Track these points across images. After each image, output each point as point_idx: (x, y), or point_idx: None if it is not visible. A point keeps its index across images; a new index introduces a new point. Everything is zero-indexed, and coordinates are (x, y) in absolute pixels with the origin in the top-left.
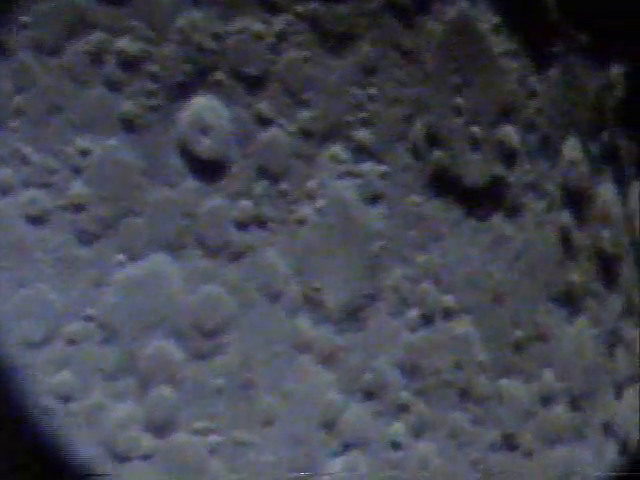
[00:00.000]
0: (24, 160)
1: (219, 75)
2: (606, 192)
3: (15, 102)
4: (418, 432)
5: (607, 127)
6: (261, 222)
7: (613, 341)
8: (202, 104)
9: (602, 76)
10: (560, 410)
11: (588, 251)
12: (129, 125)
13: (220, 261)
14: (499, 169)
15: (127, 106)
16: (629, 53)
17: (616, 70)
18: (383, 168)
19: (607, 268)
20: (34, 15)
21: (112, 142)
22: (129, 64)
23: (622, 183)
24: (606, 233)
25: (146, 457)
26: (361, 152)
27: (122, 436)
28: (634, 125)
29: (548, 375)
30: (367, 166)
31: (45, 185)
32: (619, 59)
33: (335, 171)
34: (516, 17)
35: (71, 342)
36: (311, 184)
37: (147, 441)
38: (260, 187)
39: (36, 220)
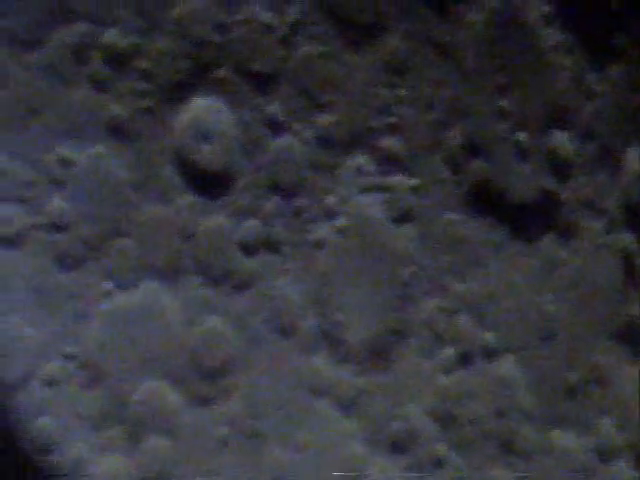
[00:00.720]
0: None
1: (223, 72)
2: None
3: None
4: None
5: None
6: (271, 245)
7: None
8: (203, 106)
9: None
10: (622, 467)
11: None
12: (118, 131)
13: (223, 290)
14: (550, 183)
15: (116, 109)
16: None
17: None
18: (414, 182)
19: None
20: (8, 2)
21: (98, 150)
22: (118, 60)
23: None
24: None
25: None
26: (389, 163)
27: None
28: None
29: (607, 425)
30: (396, 179)
31: (21, 200)
32: None
33: (358, 185)
34: (570, 5)
35: (50, 384)
36: (330, 200)
37: None
38: (271, 204)
39: (9, 241)
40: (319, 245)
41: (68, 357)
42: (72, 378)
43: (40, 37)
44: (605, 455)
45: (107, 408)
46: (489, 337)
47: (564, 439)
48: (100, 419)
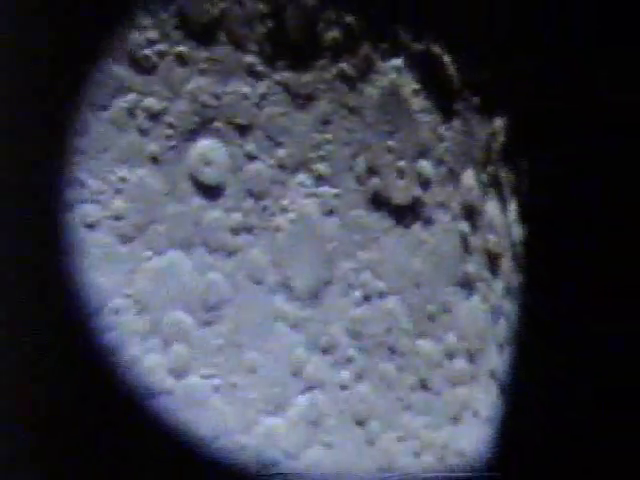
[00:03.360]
0: (82, 184)
1: (218, 124)
2: (492, 208)
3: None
4: (359, 377)
5: (493, 162)
6: (249, 229)
7: (497, 313)
8: (206, 145)
9: (489, 126)
10: (461, 362)
11: (479, 250)
12: (154, 160)
13: (219, 256)
14: (418, 192)
15: (152, 146)
16: (507, 111)
17: (499, 123)
18: (336, 190)
19: (493, 262)
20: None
21: (142, 172)
22: (154, 116)
23: (503, 201)
24: (492, 237)
25: (168, 393)
26: (320, 179)
27: (151, 379)
28: (512, 160)
29: (452, 337)
30: (324, 189)
31: (96, 202)
32: (501, 115)
33: (302, 193)
34: (430, 84)
35: (115, 313)
36: (284, 202)
37: (168, 382)
38: (248, 204)
39: (90, 226)
40: (278, 230)
41: (125, 296)
42: (128, 309)
43: (108, 102)
44: (450, 355)
45: (149, 327)
46: (382, 285)
47: (426, 346)
48: (145, 334)
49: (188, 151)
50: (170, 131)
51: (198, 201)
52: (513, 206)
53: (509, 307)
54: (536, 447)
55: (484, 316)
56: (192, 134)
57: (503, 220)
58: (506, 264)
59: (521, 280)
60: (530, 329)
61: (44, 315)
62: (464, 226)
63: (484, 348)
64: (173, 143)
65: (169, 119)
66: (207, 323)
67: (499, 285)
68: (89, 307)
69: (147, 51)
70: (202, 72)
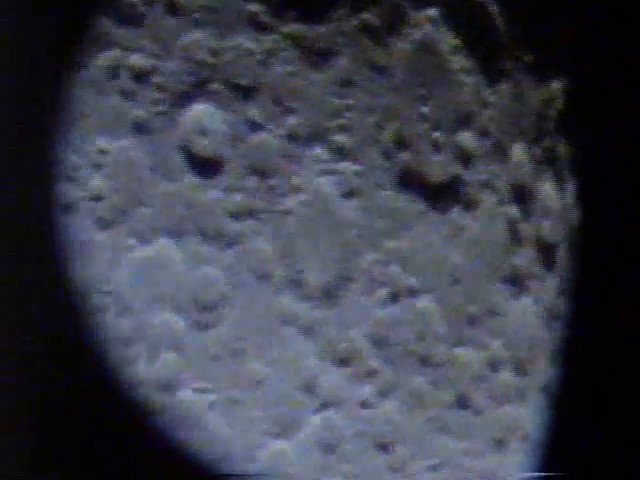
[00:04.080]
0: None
1: (216, 86)
2: (547, 189)
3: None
4: (384, 393)
5: (548, 134)
6: (252, 213)
7: (551, 316)
8: (201, 110)
9: (544, 90)
10: (506, 375)
11: (531, 239)
12: (139, 128)
13: (216, 246)
14: (457, 169)
15: (138, 112)
16: (567, 71)
17: (556, 85)
18: (358, 167)
19: (547, 254)
20: None
21: (125, 143)
22: (140, 76)
23: (560, 182)
24: (546, 224)
25: (156, 410)
26: (339, 153)
27: (136, 392)
28: (571, 133)
29: (496, 345)
30: (344, 165)
31: (70, 179)
32: (559, 76)
33: (317, 169)
34: (472, 39)
35: (93, 312)
36: (296, 180)
37: (156, 397)
38: (251, 182)
39: (65, 208)
40: (287, 213)
41: (104, 294)
42: (108, 309)
43: (86, 61)
44: (495, 366)
45: (132, 331)
46: (412, 281)
47: (465, 355)
48: (127, 339)
49: (180, 118)
50: (159, 94)
51: (191, 179)
52: (571, 187)
53: (565, 309)
54: (593, 474)
55: (536, 320)
56: (185, 98)
57: (560, 204)
58: (563, 257)
59: (580, 276)
60: (590, 335)
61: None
62: (513, 211)
63: (535, 358)
64: (162, 108)
65: (158, 80)
66: (202, 326)
67: (554, 282)
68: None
69: None
70: (197, 24)
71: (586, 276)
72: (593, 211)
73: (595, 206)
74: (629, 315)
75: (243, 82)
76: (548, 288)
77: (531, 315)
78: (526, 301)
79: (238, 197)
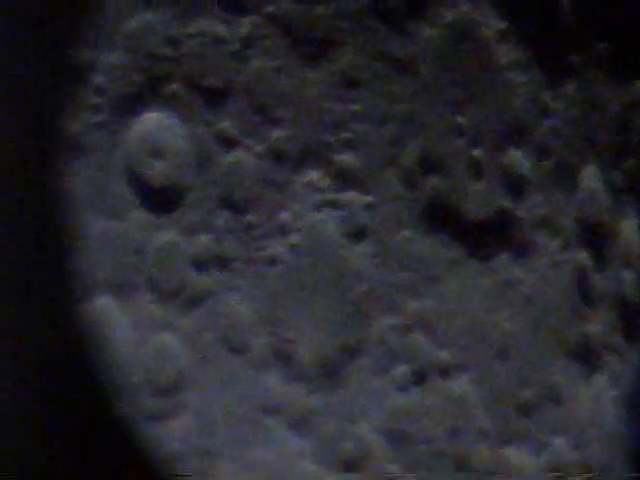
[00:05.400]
0: None
1: (174, 87)
2: (629, 228)
3: None
4: None
5: (631, 153)
6: (223, 261)
7: (634, 403)
8: (154, 121)
9: (626, 92)
10: None
11: (609, 298)
12: (70, 147)
13: (175, 307)
14: (506, 201)
15: (70, 124)
16: None
17: None
18: (369, 198)
19: (629, 318)
20: None
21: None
22: (71, 75)
23: None
24: (628, 276)
25: None
26: (343, 179)
27: None
28: None
29: (561, 443)
30: (350, 195)
31: None
32: None
33: (312, 201)
34: (526, 23)
35: None
36: (283, 216)
37: None
38: (222, 219)
39: None
40: (271, 262)
41: None
42: None
43: None
44: (557, 474)
45: None
46: (443, 355)
47: (518, 457)
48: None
49: (126, 132)
50: (96, 98)
51: (141, 216)
52: None
53: None
54: None
55: (613, 409)
56: (132, 104)
57: None
58: None
59: None
60: None
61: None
62: (583, 258)
63: (613, 462)
64: (101, 119)
65: (98, 80)
66: (154, 417)
67: (638, 357)
68: None
69: None
70: (150, 4)
71: None
72: None
73: None
74: None
75: (211, 82)
76: (630, 365)
77: (607, 402)
78: (601, 383)
79: (204, 240)
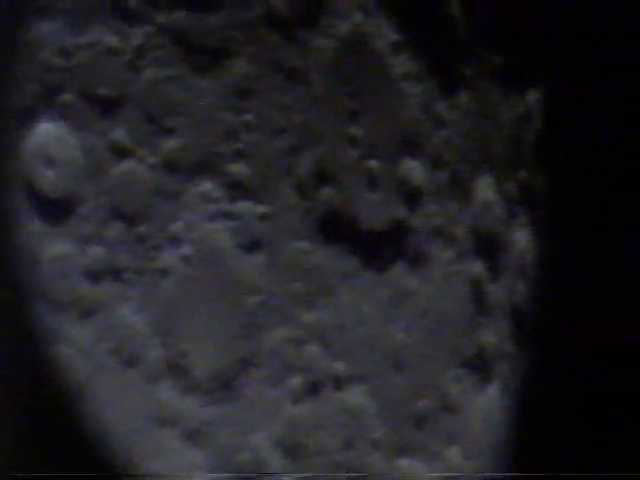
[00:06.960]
0: None
1: (67, 97)
2: (523, 239)
3: None
4: None
5: (524, 164)
6: (115, 272)
7: (522, 412)
8: (47, 131)
9: (519, 104)
10: None
11: (503, 308)
12: None
13: (68, 318)
14: (401, 211)
15: None
16: (548, 78)
17: (534, 97)
18: (263, 209)
19: (522, 327)
20: None
21: None
22: None
23: (540, 228)
24: (522, 287)
25: None
26: (237, 189)
27: None
28: (551, 162)
29: (454, 454)
30: (244, 206)
31: None
32: (537, 85)
33: (205, 211)
34: (419, 34)
35: None
36: (176, 227)
37: None
38: (114, 230)
39: None
40: (164, 273)
41: None
42: None
43: None
44: None
45: None
46: (338, 366)
47: (412, 468)
48: None
49: (19, 143)
50: None
51: (34, 226)
52: (553, 235)
53: (548, 401)
54: None
55: (503, 418)
56: (25, 115)
57: (540, 258)
58: (540, 329)
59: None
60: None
61: None
62: (477, 268)
63: (505, 471)
64: None
65: None
66: None
67: (527, 364)
68: None
69: None
70: (44, 13)
71: (568, 354)
72: (580, 266)
73: (582, 259)
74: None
75: (104, 92)
76: (519, 373)
77: (499, 411)
78: (493, 392)
79: (96, 250)
